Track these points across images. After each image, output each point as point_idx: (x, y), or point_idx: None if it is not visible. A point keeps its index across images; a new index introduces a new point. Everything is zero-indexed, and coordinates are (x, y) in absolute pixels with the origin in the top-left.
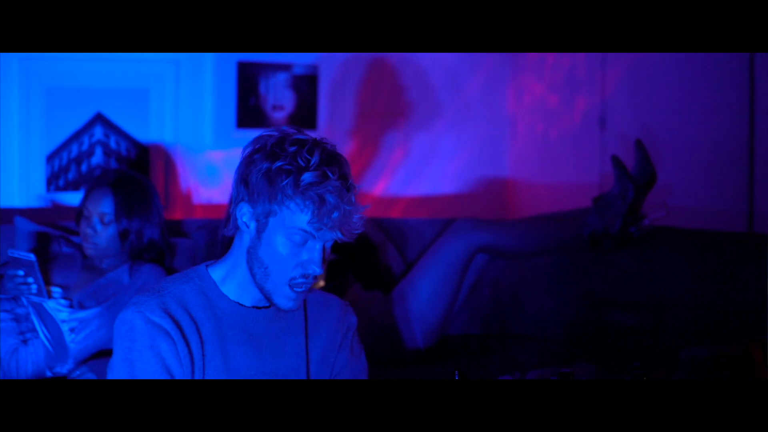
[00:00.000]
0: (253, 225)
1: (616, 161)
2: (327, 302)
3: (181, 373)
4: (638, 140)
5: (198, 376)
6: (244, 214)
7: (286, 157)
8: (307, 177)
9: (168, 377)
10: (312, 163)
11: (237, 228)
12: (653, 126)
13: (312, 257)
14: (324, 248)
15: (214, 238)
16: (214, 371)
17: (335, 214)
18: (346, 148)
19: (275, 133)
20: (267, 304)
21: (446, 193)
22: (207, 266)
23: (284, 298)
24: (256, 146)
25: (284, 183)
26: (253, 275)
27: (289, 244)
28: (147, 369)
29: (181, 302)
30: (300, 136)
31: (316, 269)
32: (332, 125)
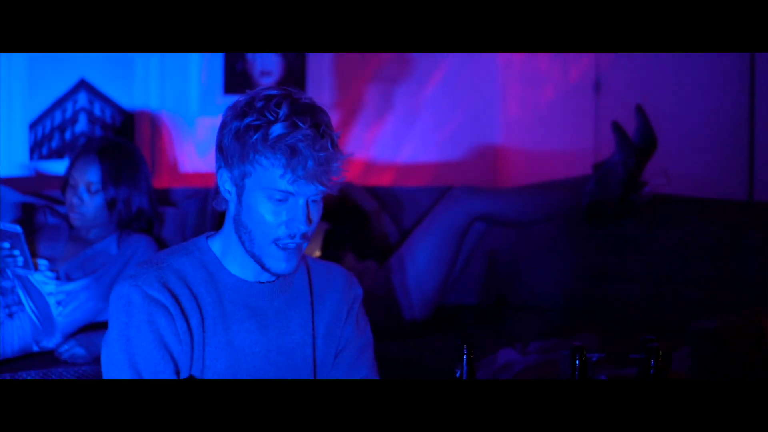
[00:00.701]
0: (234, 190)
1: (617, 127)
2: (330, 272)
3: (179, 350)
4: (638, 105)
5: (198, 354)
6: (225, 181)
7: (254, 113)
8: (275, 129)
9: (166, 354)
10: (281, 114)
11: (224, 199)
12: (651, 90)
13: (295, 215)
14: (308, 204)
15: (204, 207)
16: (216, 348)
17: (309, 164)
18: (335, 115)
19: (248, 93)
20: (271, 278)
21: (435, 160)
22: (207, 238)
23: (274, 260)
24: (229, 110)
25: (253, 139)
26: (242, 243)
27: (269, 204)
28: (144, 346)
29: (180, 276)
30: (270, 92)
31: (300, 226)
32: (320, 91)
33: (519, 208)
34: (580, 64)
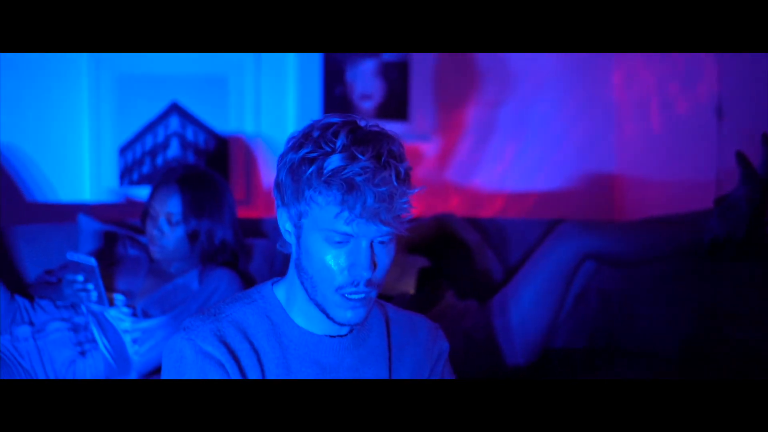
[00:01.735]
0: (293, 231)
1: (741, 158)
2: (413, 325)
3: None
4: (765, 134)
5: None
6: (285, 221)
7: (310, 144)
8: (331, 161)
9: None
10: (338, 145)
11: (287, 241)
12: None
13: (357, 260)
14: (372, 247)
15: None
16: None
17: (369, 201)
18: (439, 140)
19: (310, 123)
20: (342, 331)
21: (546, 189)
22: (273, 284)
23: (338, 309)
24: (288, 142)
25: (308, 174)
26: (305, 290)
27: (328, 247)
28: None
29: (240, 328)
30: (330, 120)
31: (363, 273)
32: (424, 115)
33: (633, 247)
34: (700, 88)
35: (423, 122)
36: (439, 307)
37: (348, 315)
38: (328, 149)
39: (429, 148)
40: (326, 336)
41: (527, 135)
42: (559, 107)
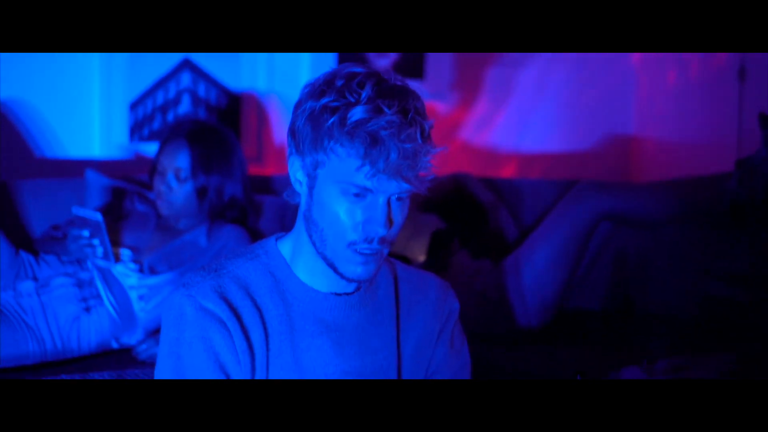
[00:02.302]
0: (305, 181)
1: (764, 120)
2: (423, 283)
3: (237, 371)
4: None
5: (260, 376)
6: (296, 170)
7: (332, 93)
8: (355, 112)
9: (221, 375)
10: (363, 96)
11: (296, 191)
12: None
13: (373, 216)
14: (389, 203)
15: None
16: (280, 369)
17: (392, 156)
18: (454, 99)
19: (330, 71)
20: (349, 288)
21: (563, 150)
22: (277, 240)
23: (348, 264)
24: (306, 88)
25: (329, 123)
26: (313, 244)
27: (344, 200)
28: (197, 366)
29: (242, 284)
30: (353, 69)
31: (379, 229)
32: (440, 73)
33: (651, 208)
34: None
35: (439, 81)
36: (452, 267)
37: (358, 270)
38: (352, 99)
39: (444, 107)
40: (331, 293)
41: (544, 96)
42: (577, 67)
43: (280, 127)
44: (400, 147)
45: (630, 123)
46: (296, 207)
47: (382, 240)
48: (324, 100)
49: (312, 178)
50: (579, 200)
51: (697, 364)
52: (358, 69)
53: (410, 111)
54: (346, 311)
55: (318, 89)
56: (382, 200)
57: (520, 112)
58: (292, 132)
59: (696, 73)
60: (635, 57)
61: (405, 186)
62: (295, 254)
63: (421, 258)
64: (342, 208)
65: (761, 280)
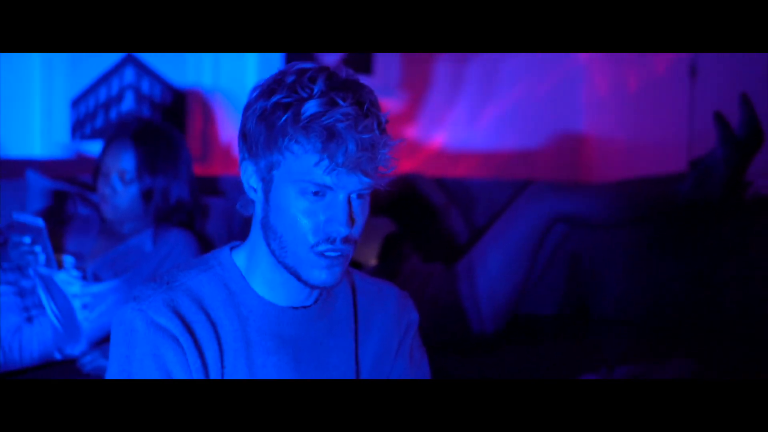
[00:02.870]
0: (260, 187)
1: (720, 119)
2: (381, 294)
3: None
4: (744, 94)
5: None
6: (249, 176)
7: (283, 90)
8: (309, 106)
9: None
10: (316, 90)
11: (250, 200)
12: (754, 77)
13: (334, 215)
14: (350, 201)
15: None
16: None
17: (350, 148)
18: (404, 97)
19: (278, 70)
20: (306, 302)
21: (511, 149)
22: (232, 249)
23: (313, 269)
24: (255, 90)
25: (282, 120)
26: (272, 252)
27: (302, 201)
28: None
29: (196, 298)
30: (303, 65)
31: (341, 228)
32: (389, 69)
33: (606, 209)
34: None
35: (387, 76)
36: (404, 273)
37: (323, 276)
38: (305, 94)
39: (393, 104)
40: (289, 308)
41: (493, 92)
42: (526, 64)
43: (226, 126)
44: (357, 138)
45: (579, 121)
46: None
47: (346, 240)
48: (275, 98)
49: (267, 182)
50: (532, 202)
51: (656, 371)
52: (307, 65)
53: (365, 103)
54: (304, 325)
55: (268, 88)
56: (342, 197)
57: (468, 110)
58: (244, 135)
59: (646, 70)
60: (584, 55)
61: (366, 180)
62: (250, 265)
63: (373, 262)
64: (301, 210)
65: (716, 280)
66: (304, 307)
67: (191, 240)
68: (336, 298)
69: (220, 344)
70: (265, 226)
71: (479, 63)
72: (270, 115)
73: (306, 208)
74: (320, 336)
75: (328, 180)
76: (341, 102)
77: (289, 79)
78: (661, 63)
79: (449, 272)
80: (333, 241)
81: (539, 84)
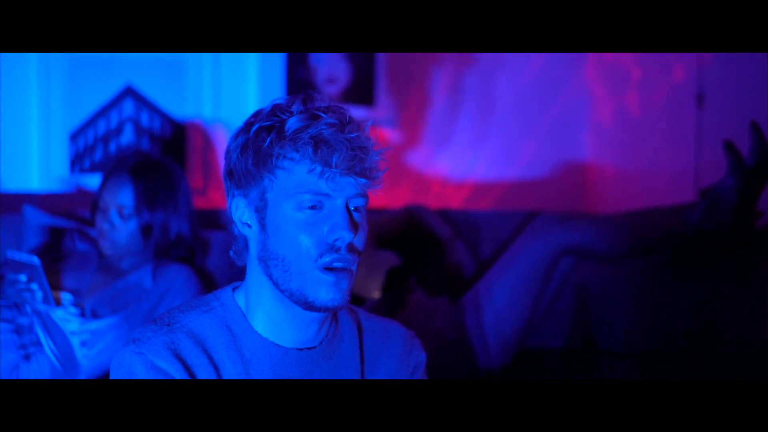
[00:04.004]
0: (255, 218)
1: (730, 147)
2: (387, 334)
3: None
4: (754, 122)
5: None
6: (242, 213)
7: (262, 119)
8: (292, 123)
9: None
10: (295, 109)
11: (245, 245)
12: (761, 103)
13: (335, 222)
14: (348, 208)
15: None
16: None
17: (341, 149)
18: (407, 127)
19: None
20: (312, 344)
21: (515, 179)
22: (234, 289)
23: (320, 288)
24: (232, 135)
25: (268, 141)
26: (275, 284)
27: (301, 216)
28: None
29: (198, 340)
30: (278, 100)
31: (345, 234)
32: (392, 101)
33: (614, 241)
34: (680, 72)
35: (389, 107)
36: (408, 307)
37: (330, 294)
38: (285, 116)
39: (394, 135)
40: (294, 349)
41: (496, 121)
42: (530, 92)
43: None
44: (346, 140)
45: (584, 151)
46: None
47: (351, 248)
48: (255, 126)
49: (262, 209)
50: (539, 234)
51: None
52: (280, 99)
53: (346, 114)
54: (308, 367)
55: (245, 125)
56: (340, 203)
57: (471, 140)
58: (230, 174)
59: (652, 99)
60: (588, 81)
61: (361, 182)
62: (250, 304)
63: (376, 295)
64: (301, 224)
65: (726, 312)
66: (309, 348)
67: (191, 275)
68: (341, 338)
69: None
70: (264, 258)
71: (482, 92)
72: (254, 142)
73: (305, 221)
74: (324, 378)
75: (324, 187)
76: (322, 115)
77: (266, 110)
78: (667, 91)
79: (455, 306)
80: (338, 250)
81: (543, 113)
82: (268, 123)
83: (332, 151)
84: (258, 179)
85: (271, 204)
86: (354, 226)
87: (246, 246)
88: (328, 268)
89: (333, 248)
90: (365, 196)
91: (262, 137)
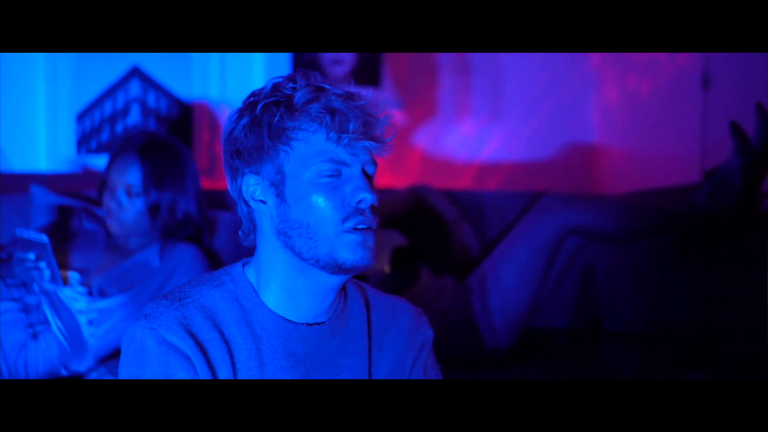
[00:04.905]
0: (270, 193)
1: (736, 129)
2: (394, 310)
3: None
4: (759, 104)
5: None
6: (254, 189)
7: (266, 96)
8: (300, 96)
9: None
10: (299, 86)
11: (254, 223)
12: (766, 85)
13: (356, 184)
14: (365, 173)
15: None
16: None
17: (355, 116)
18: (412, 109)
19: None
20: (321, 319)
21: (521, 160)
22: (244, 265)
23: (349, 248)
24: (230, 117)
25: (278, 116)
26: (297, 254)
27: (321, 184)
28: None
29: (208, 315)
30: (277, 78)
31: (367, 195)
32: (398, 81)
33: (620, 222)
34: (686, 54)
35: (395, 89)
36: (415, 287)
37: (360, 253)
38: (289, 92)
39: (401, 116)
40: (303, 324)
41: (502, 103)
42: (536, 74)
43: None
44: (357, 107)
45: (591, 132)
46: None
47: (373, 209)
48: (261, 104)
49: (279, 183)
50: (545, 214)
51: None
52: (277, 78)
53: (348, 87)
54: (317, 341)
55: (248, 105)
56: (357, 169)
57: (478, 121)
58: (237, 153)
59: (658, 81)
60: (595, 63)
61: (374, 146)
62: (261, 281)
63: (386, 270)
64: (323, 189)
65: (731, 293)
66: (318, 323)
67: (198, 255)
68: (350, 314)
69: (233, 363)
70: (285, 229)
71: (488, 74)
72: (261, 119)
73: (327, 185)
74: (333, 354)
75: (342, 153)
76: (327, 86)
77: (267, 88)
78: (673, 72)
79: (461, 286)
80: (363, 212)
81: (550, 94)
82: (274, 98)
83: (347, 119)
84: (272, 153)
85: (289, 175)
86: (374, 187)
87: (254, 224)
88: (355, 229)
89: (357, 210)
90: (376, 162)
91: (271, 112)
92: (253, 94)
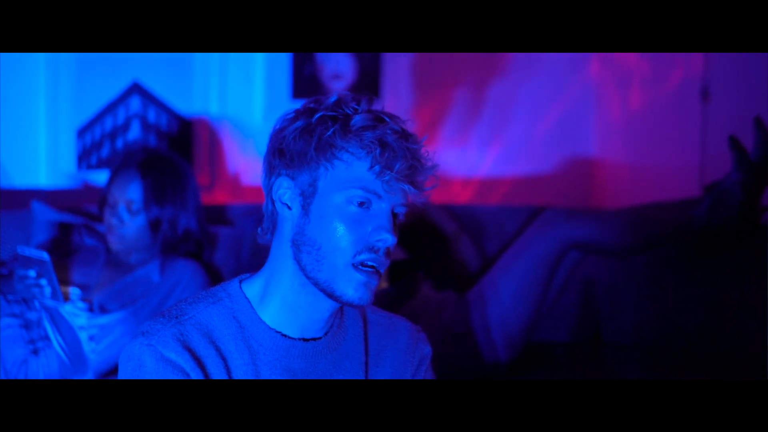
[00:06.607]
0: (297, 202)
1: (735, 143)
2: (393, 327)
3: None
4: (758, 117)
5: None
6: (284, 192)
7: (327, 108)
8: (358, 120)
9: None
10: (361, 108)
11: (274, 224)
12: (765, 98)
13: (380, 223)
14: (393, 214)
15: None
16: None
17: (403, 156)
18: (411, 124)
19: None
20: (318, 335)
21: (521, 174)
22: (241, 282)
23: (349, 284)
24: (286, 115)
25: (330, 131)
26: (302, 269)
27: (348, 210)
28: None
29: (205, 331)
30: (341, 92)
31: (388, 237)
32: (397, 96)
33: (620, 235)
34: (685, 68)
35: (395, 104)
36: (415, 301)
37: (359, 292)
38: (350, 111)
39: None
40: (300, 340)
41: (502, 118)
42: (537, 89)
43: (233, 154)
44: (408, 149)
45: (591, 146)
46: (256, 243)
47: (387, 252)
48: (319, 114)
49: (309, 195)
50: (545, 229)
51: None
52: (344, 92)
53: (406, 125)
54: (314, 357)
55: (306, 110)
56: (386, 207)
57: (477, 136)
58: (279, 152)
59: (657, 95)
60: (594, 77)
61: (412, 191)
62: (265, 294)
63: (385, 285)
64: (346, 218)
65: (731, 306)
66: (315, 339)
67: (199, 270)
68: (346, 330)
69: (230, 378)
70: (299, 242)
71: (488, 88)
72: (315, 128)
73: (352, 216)
74: (329, 368)
75: (378, 187)
76: (386, 119)
77: (330, 100)
78: (673, 86)
79: (461, 301)
80: (377, 251)
81: (550, 109)
82: (333, 113)
83: (395, 156)
84: (313, 165)
85: (321, 192)
86: (397, 230)
87: (275, 225)
88: (362, 265)
89: (372, 248)
90: (408, 206)
91: (326, 125)
92: (316, 101)
